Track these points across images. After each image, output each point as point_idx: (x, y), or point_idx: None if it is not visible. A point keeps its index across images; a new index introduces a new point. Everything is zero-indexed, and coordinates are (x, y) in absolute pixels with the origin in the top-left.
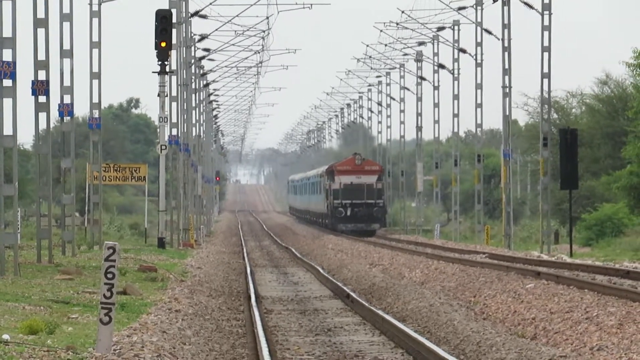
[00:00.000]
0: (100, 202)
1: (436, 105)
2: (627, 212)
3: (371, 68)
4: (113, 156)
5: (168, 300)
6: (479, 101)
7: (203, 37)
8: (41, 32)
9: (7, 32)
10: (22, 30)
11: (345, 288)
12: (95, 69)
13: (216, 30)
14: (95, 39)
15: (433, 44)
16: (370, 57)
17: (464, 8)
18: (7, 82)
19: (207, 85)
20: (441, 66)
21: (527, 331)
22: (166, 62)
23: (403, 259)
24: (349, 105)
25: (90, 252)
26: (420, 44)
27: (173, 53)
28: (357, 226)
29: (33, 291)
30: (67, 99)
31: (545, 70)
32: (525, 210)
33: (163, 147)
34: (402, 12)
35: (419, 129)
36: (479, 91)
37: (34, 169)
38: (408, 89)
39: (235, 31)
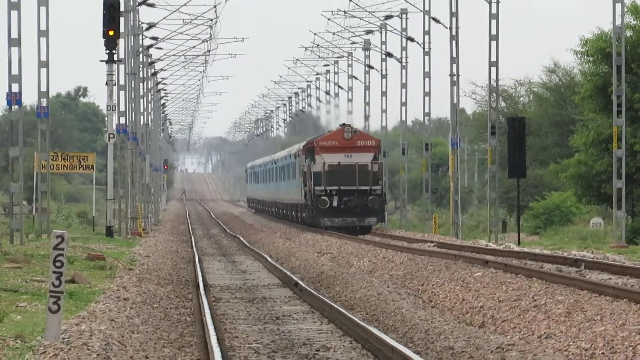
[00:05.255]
0: (48, 191)
1: (384, 94)
2: (574, 201)
3: (319, 57)
4: (61, 145)
5: (116, 288)
6: (426, 90)
7: (151, 26)
8: None
9: None
10: None
11: (293, 276)
12: (43, 58)
13: (164, 18)
14: (43, 27)
15: (381, 32)
16: (318, 45)
17: None
18: None
19: (155, 73)
20: (389, 55)
21: (475, 319)
22: (114, 51)
23: (351, 248)
24: (296, 94)
25: (39, 241)
26: (368, 32)
27: (121, 42)
28: (346, 221)
29: None
30: (15, 88)
31: (493, 58)
32: (473, 199)
33: (111, 136)
34: (350, 0)
35: (366, 117)
36: (426, 80)
37: None
38: (356, 78)
39: (183, 20)
